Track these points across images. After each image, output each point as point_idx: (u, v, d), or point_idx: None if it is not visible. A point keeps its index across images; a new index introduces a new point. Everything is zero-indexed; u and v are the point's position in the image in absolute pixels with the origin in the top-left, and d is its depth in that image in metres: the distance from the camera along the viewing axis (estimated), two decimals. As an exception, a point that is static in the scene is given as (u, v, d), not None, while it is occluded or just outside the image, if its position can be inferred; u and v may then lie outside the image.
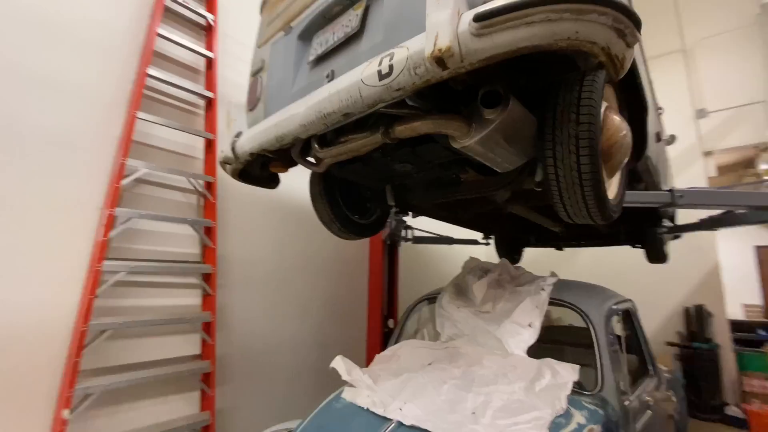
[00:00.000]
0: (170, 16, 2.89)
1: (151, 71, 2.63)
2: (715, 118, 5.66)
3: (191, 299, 2.86)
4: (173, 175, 2.76)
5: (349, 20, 1.51)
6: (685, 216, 3.60)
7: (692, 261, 5.31)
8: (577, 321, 2.19)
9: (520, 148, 1.41)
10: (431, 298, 2.80)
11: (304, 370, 3.62)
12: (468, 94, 1.33)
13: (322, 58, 1.61)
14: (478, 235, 4.66)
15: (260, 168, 2.11)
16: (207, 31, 3.09)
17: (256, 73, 2.04)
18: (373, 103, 1.20)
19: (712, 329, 5.24)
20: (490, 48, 0.94)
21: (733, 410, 4.81)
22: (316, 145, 1.66)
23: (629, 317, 2.56)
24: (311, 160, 1.82)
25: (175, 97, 2.90)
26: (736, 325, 5.46)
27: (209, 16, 3.05)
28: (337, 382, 2.01)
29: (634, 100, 1.87)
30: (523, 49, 0.94)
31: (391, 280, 4.16)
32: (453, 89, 1.26)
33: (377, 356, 2.31)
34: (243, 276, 3.22)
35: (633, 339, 2.55)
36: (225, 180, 3.10)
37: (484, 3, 1.00)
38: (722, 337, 5.21)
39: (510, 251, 4.49)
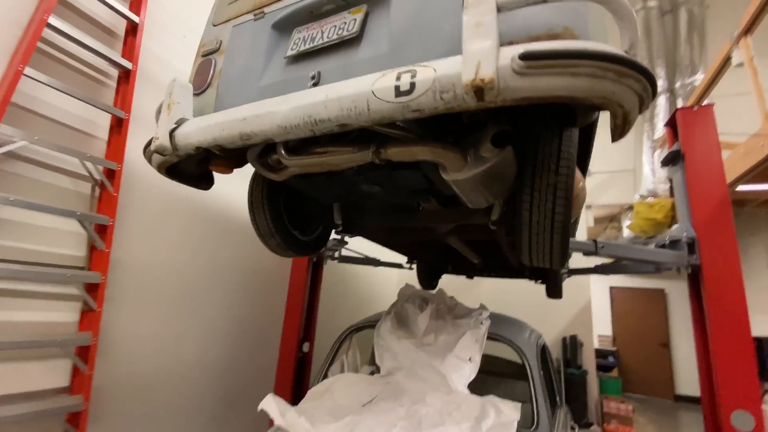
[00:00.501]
0: (87, -40, 2.35)
1: (53, 20, 2.07)
2: (597, 178, 6.76)
3: (65, 315, 2.23)
4: (62, 154, 2.17)
5: (344, 23, 1.38)
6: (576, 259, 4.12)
7: (572, 297, 6.12)
8: (502, 351, 2.28)
9: (499, 189, 1.44)
10: (360, 327, 2.66)
11: (207, 402, 3.10)
12: (466, 126, 1.28)
13: (304, 56, 1.43)
14: (402, 259, 4.69)
15: (197, 164, 1.77)
16: (135, -9, 2.58)
17: (208, 54, 1.73)
18: (380, 118, 1.07)
19: (583, 357, 6.07)
20: (528, 89, 0.91)
21: (595, 430, 5.58)
22: (283, 152, 1.44)
23: (543, 350, 2.77)
24: (271, 165, 1.59)
25: (81, 59, 2.32)
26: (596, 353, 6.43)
27: (142, -25, 2.57)
28: (247, 414, 1.71)
29: (581, 155, 2.06)
30: (558, 97, 0.92)
31: (312, 300, 3.88)
32: (450, 118, 1.21)
33: (309, 392, 2.06)
34: (139, 288, 2.66)
35: (546, 371, 2.75)
36: (133, 169, 2.57)
37: (520, 41, 0.98)
38: (589, 363, 6.06)
39: (430, 277, 4.61)
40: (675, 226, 2.97)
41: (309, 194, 2.19)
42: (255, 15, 1.63)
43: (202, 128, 1.38)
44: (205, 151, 1.49)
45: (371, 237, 2.99)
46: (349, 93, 1.08)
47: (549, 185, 1.34)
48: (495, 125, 1.16)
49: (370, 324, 2.59)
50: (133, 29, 2.55)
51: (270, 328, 3.76)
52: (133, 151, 2.50)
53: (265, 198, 2.05)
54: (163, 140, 1.45)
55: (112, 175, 2.41)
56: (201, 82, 1.66)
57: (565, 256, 1.51)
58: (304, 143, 1.44)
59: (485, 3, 0.97)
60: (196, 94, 1.63)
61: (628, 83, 0.92)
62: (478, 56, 0.91)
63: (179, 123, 1.49)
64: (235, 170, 1.72)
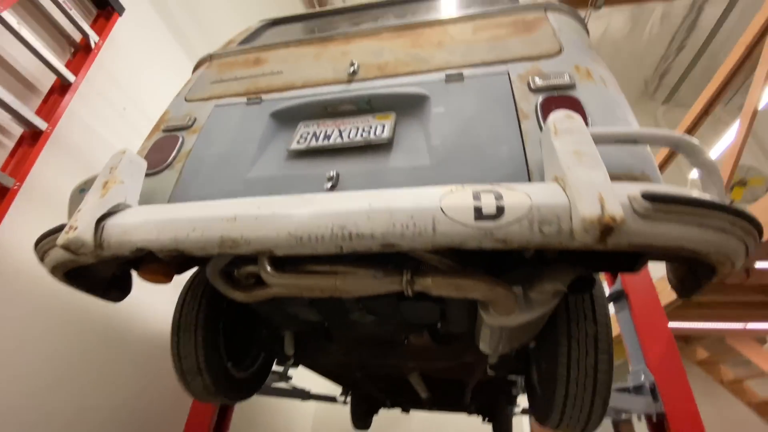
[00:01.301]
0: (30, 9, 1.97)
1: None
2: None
3: None
4: None
5: (370, 126, 1.21)
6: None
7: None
8: None
9: (528, 338, 1.32)
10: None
11: None
12: (514, 261, 1.08)
13: (314, 153, 1.19)
14: (333, 388, 3.97)
15: (117, 266, 1.26)
16: (80, 51, 2.20)
17: (174, 130, 1.38)
18: (446, 243, 0.83)
19: None
20: (650, 234, 0.77)
21: None
22: (268, 267, 1.05)
23: None
24: (238, 280, 1.18)
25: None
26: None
27: (93, 35, 2.23)
28: None
29: None
30: (674, 248, 0.79)
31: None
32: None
33: None
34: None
35: None
36: None
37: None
38: None
39: (366, 414, 3.94)
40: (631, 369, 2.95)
41: (262, 317, 1.71)
42: (249, 100, 1.38)
43: (158, 223, 0.95)
44: (149, 254, 1.03)
45: (319, 369, 2.44)
46: (407, 206, 0.82)
47: (589, 336, 1.22)
48: (574, 268, 0.95)
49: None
50: (62, 88, 2.09)
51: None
52: (9, 232, 1.81)
53: (201, 320, 1.53)
54: (83, 232, 0.96)
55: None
56: (158, 161, 1.27)
57: (600, 418, 1.29)
58: (298, 257, 1.08)
59: (580, 132, 0.87)
60: (150, 174, 1.23)
61: (749, 241, 0.81)
62: (595, 188, 0.75)
63: (114, 210, 1.04)
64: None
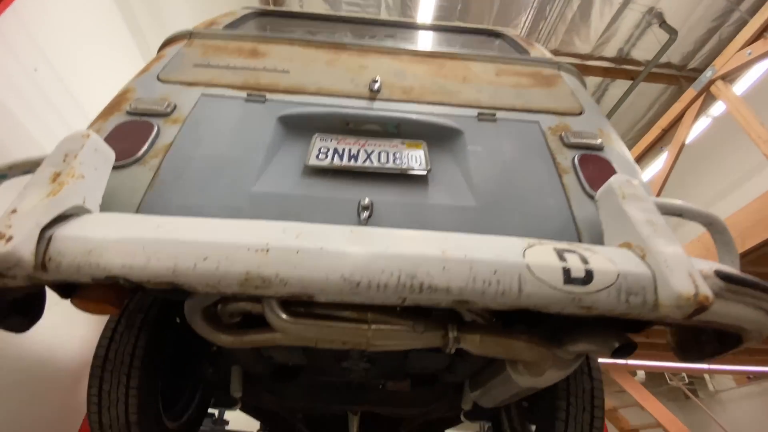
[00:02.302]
0: None
1: None
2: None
3: None
4: None
5: (400, 153, 1.09)
6: None
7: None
8: None
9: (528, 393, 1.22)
10: None
11: None
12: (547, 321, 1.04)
13: (338, 174, 1.02)
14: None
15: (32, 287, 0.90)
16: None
17: (146, 115, 1.09)
18: (528, 305, 0.74)
19: None
20: (720, 313, 0.78)
21: None
22: (279, 309, 0.85)
23: None
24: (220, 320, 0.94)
25: None
26: None
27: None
28: None
29: None
30: (732, 326, 0.81)
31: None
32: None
33: None
34: None
35: None
36: None
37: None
38: None
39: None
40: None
41: (212, 353, 1.42)
42: (250, 95, 1.16)
43: (149, 243, 0.69)
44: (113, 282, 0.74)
45: (260, 413, 2.14)
46: (489, 258, 0.71)
47: (586, 392, 1.21)
48: (617, 333, 0.92)
49: None
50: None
51: None
52: None
53: (139, 359, 1.19)
54: (21, 246, 0.66)
55: None
56: (122, 152, 0.97)
57: None
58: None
59: (646, 200, 0.86)
60: (119, 167, 0.93)
61: None
62: (684, 265, 0.73)
63: (69, 215, 0.75)
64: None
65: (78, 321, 2.15)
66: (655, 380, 7.45)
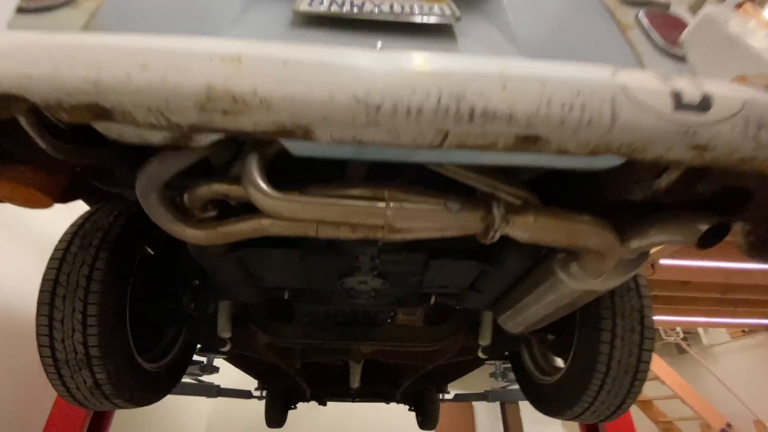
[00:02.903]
0: None
1: None
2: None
3: None
4: None
5: (420, 6, 0.85)
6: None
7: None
8: None
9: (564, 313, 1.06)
10: None
11: None
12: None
13: (336, 23, 0.79)
14: (245, 381, 3.42)
15: None
16: None
17: None
18: (621, 142, 0.53)
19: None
20: None
21: None
22: (261, 182, 0.63)
23: None
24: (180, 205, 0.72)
25: None
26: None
27: None
28: None
29: None
30: None
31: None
32: None
33: None
34: None
35: None
36: None
37: None
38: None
39: (283, 409, 3.48)
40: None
41: (192, 283, 1.22)
42: None
43: (55, 48, 0.46)
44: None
45: (243, 361, 1.98)
46: (568, 76, 0.48)
47: (634, 310, 1.06)
48: (703, 215, 0.72)
49: None
50: None
51: None
52: None
53: (98, 282, 0.98)
54: None
55: None
56: None
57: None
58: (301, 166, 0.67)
59: (758, 30, 0.65)
60: (25, 11, 0.69)
61: None
62: None
63: None
64: None
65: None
66: (650, 336, 7.52)
